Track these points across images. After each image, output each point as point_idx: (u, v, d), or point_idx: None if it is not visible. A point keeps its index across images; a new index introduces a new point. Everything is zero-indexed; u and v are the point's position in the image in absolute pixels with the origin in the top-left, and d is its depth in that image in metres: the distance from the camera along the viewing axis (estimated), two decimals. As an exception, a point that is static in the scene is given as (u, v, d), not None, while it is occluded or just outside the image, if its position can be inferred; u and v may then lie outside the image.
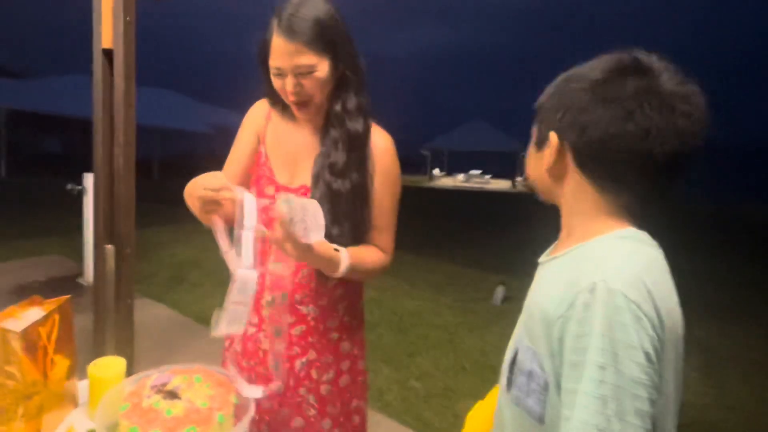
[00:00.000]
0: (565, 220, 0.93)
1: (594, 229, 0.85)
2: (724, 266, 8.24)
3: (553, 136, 0.86)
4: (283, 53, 1.21)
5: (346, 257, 1.22)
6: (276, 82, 1.28)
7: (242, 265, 1.12)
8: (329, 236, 1.22)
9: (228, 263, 1.15)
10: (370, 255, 1.34)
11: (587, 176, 0.85)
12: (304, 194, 1.33)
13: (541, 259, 0.99)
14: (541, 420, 0.82)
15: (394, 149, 1.40)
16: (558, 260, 0.89)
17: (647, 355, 0.69)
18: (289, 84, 1.24)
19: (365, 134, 1.34)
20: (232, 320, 1.13)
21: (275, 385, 1.35)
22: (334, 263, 1.20)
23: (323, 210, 1.16)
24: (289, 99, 1.28)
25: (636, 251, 0.80)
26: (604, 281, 0.72)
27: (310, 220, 1.11)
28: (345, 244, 1.26)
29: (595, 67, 0.83)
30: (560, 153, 0.86)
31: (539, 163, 0.91)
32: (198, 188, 1.15)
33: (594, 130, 0.80)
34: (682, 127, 0.76)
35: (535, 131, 0.93)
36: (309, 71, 1.23)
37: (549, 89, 0.90)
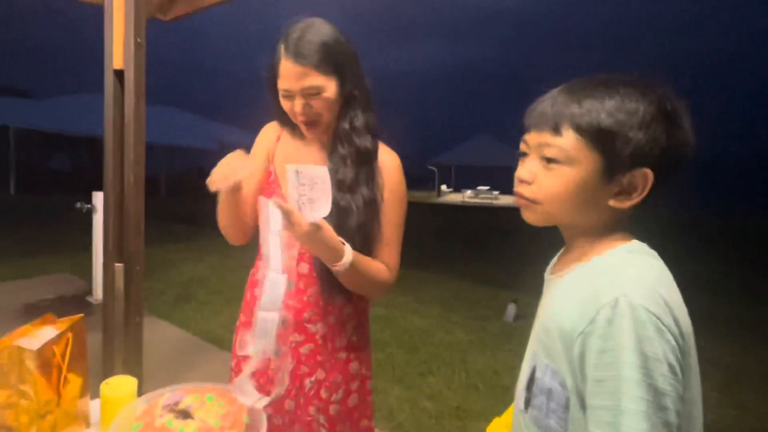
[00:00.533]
0: (571, 236, 0.93)
1: (603, 244, 0.86)
2: (733, 279, 8.17)
3: (649, 175, 0.80)
4: (291, 76, 1.25)
5: (350, 251, 1.21)
6: (285, 104, 1.32)
7: (271, 268, 1.11)
8: None
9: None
10: (374, 265, 1.33)
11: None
12: None
13: (549, 274, 0.99)
14: None
15: (401, 167, 1.42)
16: (569, 276, 0.88)
17: (671, 366, 0.71)
18: (298, 105, 1.28)
19: (373, 151, 1.36)
20: (261, 333, 1.12)
21: (278, 389, 1.32)
22: (337, 252, 1.19)
23: (332, 224, 1.18)
24: (298, 119, 1.32)
25: (647, 264, 0.81)
26: (625, 296, 0.73)
27: (318, 193, 1.10)
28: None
29: (632, 94, 0.80)
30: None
31: (588, 193, 0.83)
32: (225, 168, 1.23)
33: (681, 161, 0.82)
34: (690, 140, 0.82)
35: (593, 160, 0.82)
36: (317, 92, 1.26)
37: (600, 114, 0.80)
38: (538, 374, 0.87)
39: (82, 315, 1.28)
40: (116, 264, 2.01)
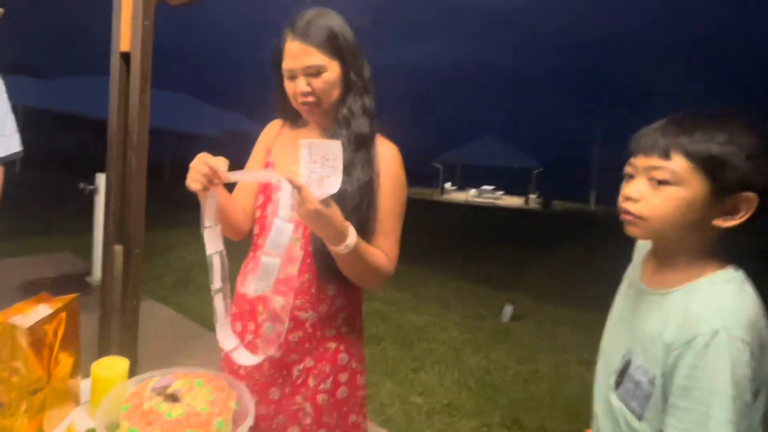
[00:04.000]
0: (670, 252, 1.04)
1: (700, 268, 0.99)
2: None
3: (753, 199, 0.92)
4: (295, 55, 1.29)
5: (354, 233, 1.20)
6: (288, 87, 1.35)
7: (278, 215, 1.11)
8: None
9: (205, 239, 1.22)
10: (375, 252, 1.32)
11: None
12: None
13: (641, 283, 1.11)
14: (640, 418, 1.01)
15: (400, 157, 1.42)
16: (672, 297, 1.00)
17: (756, 383, 0.88)
18: (301, 84, 1.31)
19: (371, 135, 1.37)
20: (262, 275, 1.13)
21: (267, 350, 1.32)
22: (342, 233, 1.16)
23: None
24: (299, 101, 1.34)
25: (740, 292, 0.94)
26: (725, 329, 0.88)
27: (328, 170, 1.10)
28: None
29: (739, 129, 0.92)
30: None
31: (694, 213, 0.95)
32: (201, 164, 1.18)
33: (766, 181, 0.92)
34: None
35: (701, 183, 0.93)
36: (319, 71, 1.30)
37: (710, 144, 0.92)
38: (632, 369, 1.04)
39: (76, 295, 1.28)
40: (116, 246, 2.02)
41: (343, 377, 1.42)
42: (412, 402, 3.54)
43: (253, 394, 1.38)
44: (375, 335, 4.68)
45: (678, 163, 0.94)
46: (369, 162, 1.35)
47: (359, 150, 1.34)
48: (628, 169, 1.04)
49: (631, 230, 1.03)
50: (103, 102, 2.07)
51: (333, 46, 1.30)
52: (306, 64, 1.29)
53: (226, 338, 1.30)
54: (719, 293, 0.95)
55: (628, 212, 1.01)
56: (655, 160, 0.96)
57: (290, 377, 1.39)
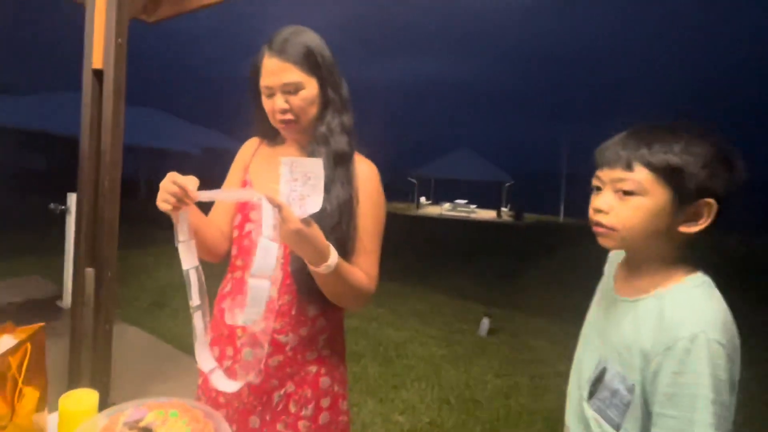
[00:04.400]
0: (641, 261, 1.07)
1: (669, 274, 1.03)
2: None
3: (713, 204, 0.96)
4: (273, 72, 1.29)
5: (335, 253, 1.17)
6: (266, 104, 1.34)
7: (263, 234, 1.08)
8: None
9: (180, 254, 1.20)
10: (356, 272, 1.29)
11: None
12: None
13: (614, 292, 1.14)
14: (618, 428, 1.02)
15: (379, 176, 1.41)
16: (645, 303, 1.03)
17: (732, 384, 0.91)
18: (279, 101, 1.30)
19: (349, 152, 1.36)
20: (252, 301, 1.09)
21: (246, 376, 1.28)
22: (323, 253, 1.14)
23: None
24: (277, 119, 1.33)
25: (711, 296, 0.98)
26: (704, 332, 0.90)
27: (309, 189, 1.07)
28: None
29: (694, 139, 0.97)
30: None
31: (660, 221, 0.99)
32: (169, 184, 1.14)
33: (736, 194, 0.97)
34: (742, 176, 0.98)
35: (664, 192, 0.98)
36: (296, 89, 1.30)
37: (668, 155, 0.97)
38: (607, 377, 1.06)
39: (42, 324, 1.22)
40: (87, 269, 1.96)
41: (325, 402, 1.38)
42: (393, 421, 3.50)
43: (233, 423, 1.34)
44: (355, 352, 4.64)
45: (641, 174, 0.98)
46: (348, 180, 1.33)
47: (338, 168, 1.33)
48: (595, 182, 1.07)
49: (603, 242, 1.07)
50: (75, 119, 2.02)
51: (310, 63, 1.30)
52: (284, 81, 1.28)
53: (205, 359, 1.25)
54: (693, 298, 0.98)
55: (599, 224, 1.05)
56: (619, 173, 1.01)
57: (270, 403, 1.34)
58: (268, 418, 1.34)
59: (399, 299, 6.89)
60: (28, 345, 1.15)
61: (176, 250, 1.20)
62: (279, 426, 1.34)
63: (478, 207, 31.74)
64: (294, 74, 1.28)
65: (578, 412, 1.15)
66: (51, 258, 6.61)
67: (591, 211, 1.07)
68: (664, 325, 0.96)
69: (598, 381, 1.09)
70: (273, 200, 1.05)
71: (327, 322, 1.38)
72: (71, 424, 1.15)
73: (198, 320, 1.22)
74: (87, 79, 1.95)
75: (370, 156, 1.43)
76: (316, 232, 1.11)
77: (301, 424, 1.34)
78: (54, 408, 1.26)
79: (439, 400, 3.87)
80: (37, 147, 22.45)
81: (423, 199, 34.68)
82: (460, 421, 3.54)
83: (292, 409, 1.34)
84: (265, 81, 1.31)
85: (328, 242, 1.16)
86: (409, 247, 11.47)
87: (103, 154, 1.93)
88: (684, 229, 0.99)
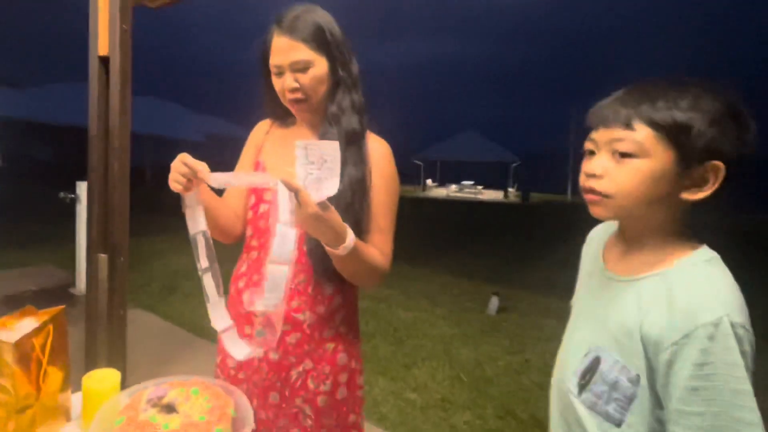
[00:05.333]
0: (639, 233, 0.96)
1: (672, 249, 0.92)
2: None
3: (721, 168, 0.86)
4: (282, 50, 1.29)
5: (352, 234, 1.17)
6: (276, 83, 1.34)
7: (279, 220, 1.07)
8: None
9: (187, 221, 1.20)
10: (372, 251, 1.30)
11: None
12: None
13: (608, 271, 1.03)
14: (618, 424, 0.90)
15: (391, 154, 1.41)
16: (648, 282, 0.92)
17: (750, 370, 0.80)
18: (288, 80, 1.30)
19: (362, 132, 1.36)
20: (271, 286, 1.09)
21: (257, 350, 1.27)
22: (340, 235, 1.13)
23: None
24: (287, 98, 1.33)
25: (724, 273, 0.87)
26: (728, 316, 0.79)
27: (326, 171, 1.06)
28: None
29: (703, 94, 0.87)
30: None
31: (662, 185, 0.88)
32: (179, 165, 1.16)
33: (746, 157, 0.87)
34: (754, 140, 0.88)
35: (667, 153, 0.87)
36: (306, 67, 1.29)
37: (673, 110, 0.86)
38: (603, 367, 0.94)
39: (63, 306, 1.25)
40: (100, 255, 1.98)
41: (343, 378, 1.40)
42: (405, 398, 3.54)
43: (253, 399, 1.37)
44: (366, 332, 4.67)
45: (642, 133, 0.87)
46: (361, 159, 1.34)
47: (350, 147, 1.32)
48: (588, 145, 0.96)
49: (596, 211, 0.95)
50: (81, 109, 2.03)
51: (320, 41, 1.29)
52: (293, 59, 1.28)
53: (219, 318, 1.24)
54: (707, 276, 0.87)
55: (592, 190, 0.94)
56: (617, 132, 0.90)
57: (289, 380, 1.37)
58: (287, 393, 1.37)
59: (408, 280, 6.92)
60: (50, 327, 1.18)
61: (183, 237, 1.20)
62: (298, 401, 1.36)
63: (484, 188, 31.74)
64: (303, 52, 1.28)
65: (564, 410, 1.04)
66: (62, 247, 6.68)
67: (582, 177, 0.96)
68: (677, 307, 0.84)
69: (589, 372, 0.97)
70: (289, 184, 1.04)
71: (343, 299, 1.40)
72: (95, 402, 1.18)
73: (208, 281, 1.22)
74: (93, 67, 1.96)
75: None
76: (334, 215, 1.11)
77: (319, 399, 1.37)
78: (77, 389, 1.29)
79: (451, 378, 3.91)
80: (44, 138, 22.56)
81: (429, 182, 34.67)
82: (471, 397, 3.58)
83: (311, 385, 1.37)
84: (274, 60, 1.30)
85: (345, 224, 1.16)
86: (418, 230, 11.49)
87: (112, 140, 1.94)
88: (687, 196, 0.88)
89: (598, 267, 1.07)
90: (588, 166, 0.94)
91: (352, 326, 1.45)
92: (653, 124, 0.87)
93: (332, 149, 1.06)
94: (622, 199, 0.91)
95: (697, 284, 0.86)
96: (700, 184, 0.87)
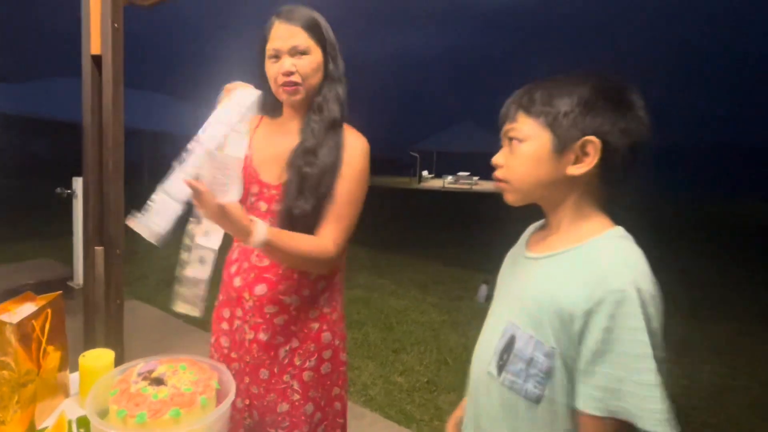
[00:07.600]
0: (553, 218, 1.03)
1: (587, 228, 0.97)
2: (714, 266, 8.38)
3: (595, 141, 0.92)
4: (282, 36, 1.37)
5: (262, 230, 1.22)
6: (271, 69, 1.41)
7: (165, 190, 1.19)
8: (294, 209, 1.35)
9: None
10: (305, 242, 1.35)
11: (600, 178, 0.96)
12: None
13: (527, 251, 1.09)
14: (538, 401, 0.94)
15: (367, 150, 1.48)
16: (562, 258, 0.98)
17: (660, 333, 0.85)
18: (286, 62, 1.38)
19: (340, 120, 1.45)
20: (157, 212, 1.17)
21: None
22: (245, 231, 1.20)
23: (293, 190, 1.31)
24: (281, 81, 1.40)
25: (634, 248, 0.93)
26: (634, 282, 0.84)
27: (227, 179, 1.15)
28: (310, 220, 1.37)
29: (572, 81, 0.96)
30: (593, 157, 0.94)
31: (546, 165, 0.97)
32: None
33: (631, 134, 0.92)
34: (638, 124, 0.93)
35: (544, 135, 0.96)
36: (304, 52, 1.38)
37: (543, 97, 0.96)
38: (518, 345, 0.97)
39: (60, 292, 1.35)
40: (96, 247, 2.06)
41: (327, 354, 1.52)
42: (393, 381, 3.66)
43: (245, 376, 1.50)
44: (357, 320, 4.79)
45: (523, 121, 0.98)
46: (336, 147, 1.42)
47: (328, 133, 1.42)
48: (502, 142, 1.06)
49: (505, 197, 1.05)
50: (76, 104, 2.09)
51: (317, 32, 1.39)
52: (292, 44, 1.36)
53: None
54: (617, 248, 0.93)
55: (496, 179, 1.04)
56: (509, 125, 1.01)
57: (277, 358, 1.48)
58: (276, 370, 1.49)
59: (401, 270, 7.03)
60: (49, 310, 1.28)
61: (180, 232, 1.28)
62: (286, 377, 1.49)
63: (480, 179, 31.68)
64: (302, 38, 1.37)
65: (484, 394, 1.07)
66: (59, 241, 6.75)
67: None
68: (588, 278, 0.88)
69: (505, 352, 1.00)
70: (192, 185, 1.11)
71: (327, 283, 1.51)
72: (91, 379, 1.28)
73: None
74: (86, 66, 2.01)
75: (371, 132, 1.51)
76: (235, 214, 1.17)
77: (305, 374, 1.49)
78: (74, 370, 1.40)
79: (438, 362, 4.02)
80: (40, 133, 22.45)
81: (425, 173, 34.58)
82: (457, 379, 3.68)
83: (297, 362, 1.49)
84: (272, 44, 1.38)
85: (255, 220, 1.22)
86: (412, 220, 11.55)
87: (106, 137, 2.00)
88: (572, 171, 0.94)
89: (520, 253, 1.13)
90: (493, 158, 1.05)
91: (335, 307, 1.55)
92: (529, 112, 0.97)
93: (233, 162, 1.20)
94: (517, 183, 1.01)
95: (607, 255, 0.91)
96: (582, 159, 0.94)
